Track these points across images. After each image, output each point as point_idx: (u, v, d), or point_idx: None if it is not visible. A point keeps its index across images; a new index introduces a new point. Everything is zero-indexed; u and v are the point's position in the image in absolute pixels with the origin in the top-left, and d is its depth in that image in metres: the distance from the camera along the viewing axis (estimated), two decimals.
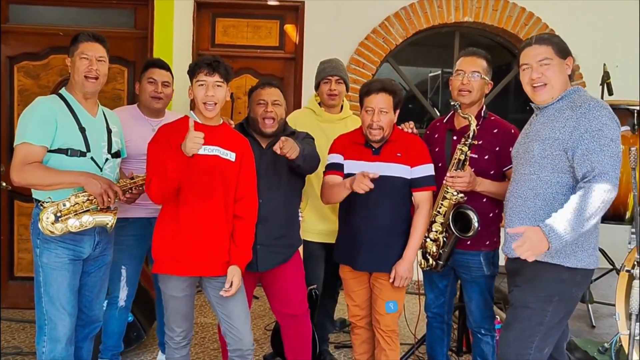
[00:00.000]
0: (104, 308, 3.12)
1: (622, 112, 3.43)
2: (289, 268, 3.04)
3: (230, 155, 2.68)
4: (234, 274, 2.64)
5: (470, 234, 2.79)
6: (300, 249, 3.18)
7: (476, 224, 2.78)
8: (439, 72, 6.15)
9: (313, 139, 3.09)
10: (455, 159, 2.83)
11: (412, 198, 2.95)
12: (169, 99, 3.38)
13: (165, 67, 3.36)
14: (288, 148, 2.74)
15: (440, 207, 2.86)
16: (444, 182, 2.82)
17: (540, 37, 2.49)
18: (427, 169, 2.90)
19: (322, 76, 3.48)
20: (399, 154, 2.89)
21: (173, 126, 2.70)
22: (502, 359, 2.47)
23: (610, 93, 3.96)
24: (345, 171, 2.97)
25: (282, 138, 2.77)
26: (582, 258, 2.34)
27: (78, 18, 4.70)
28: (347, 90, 3.55)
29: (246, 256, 2.72)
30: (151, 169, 2.62)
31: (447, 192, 2.82)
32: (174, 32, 4.81)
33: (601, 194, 2.20)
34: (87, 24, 4.57)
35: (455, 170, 2.81)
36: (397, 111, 2.94)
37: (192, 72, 2.67)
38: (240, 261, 2.68)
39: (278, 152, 2.74)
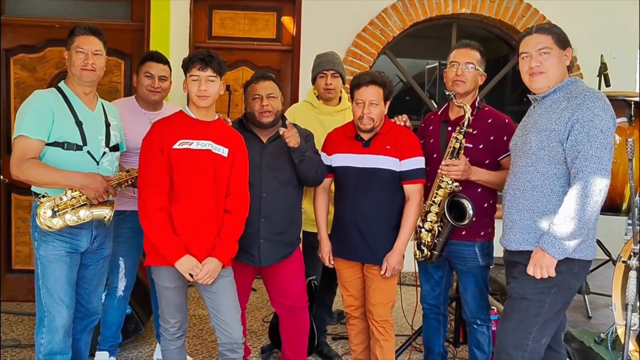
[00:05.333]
0: (103, 299, 3.13)
1: (619, 104, 3.43)
2: (289, 262, 3.05)
3: (223, 151, 2.69)
4: (210, 265, 2.62)
5: (465, 222, 2.79)
6: None
7: (471, 212, 2.79)
8: (436, 64, 6.14)
9: (313, 136, 3.10)
10: (450, 147, 2.83)
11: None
12: (166, 93, 3.37)
13: (163, 60, 3.34)
14: (289, 134, 2.79)
15: (435, 197, 2.86)
16: (439, 170, 2.83)
17: (540, 26, 2.50)
18: (416, 162, 2.90)
19: (317, 70, 3.49)
20: (388, 147, 2.90)
21: (167, 122, 2.71)
22: (499, 350, 2.49)
23: (608, 84, 3.96)
24: (336, 164, 3.01)
25: (289, 123, 2.81)
26: (579, 249, 2.34)
27: (74, 10, 4.68)
28: (344, 83, 3.55)
29: (230, 251, 2.71)
30: (142, 178, 2.64)
31: (442, 180, 2.83)
32: (171, 25, 4.79)
33: (590, 187, 2.23)
34: (83, 17, 4.54)
35: (450, 158, 2.81)
36: (388, 103, 2.95)
37: (186, 67, 2.68)
38: (223, 255, 2.66)
39: (280, 132, 2.80)
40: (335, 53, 3.57)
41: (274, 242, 2.96)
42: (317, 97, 3.56)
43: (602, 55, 4.00)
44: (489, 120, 2.93)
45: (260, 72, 3.10)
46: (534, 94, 2.51)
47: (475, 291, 2.99)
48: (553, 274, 2.32)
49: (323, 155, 3.06)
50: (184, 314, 2.79)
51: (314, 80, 3.54)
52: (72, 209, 2.62)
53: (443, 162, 2.82)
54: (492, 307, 3.18)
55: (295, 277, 3.10)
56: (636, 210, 2.76)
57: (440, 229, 2.87)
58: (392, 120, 3.05)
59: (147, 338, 3.88)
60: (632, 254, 2.69)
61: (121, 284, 3.29)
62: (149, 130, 2.69)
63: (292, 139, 2.82)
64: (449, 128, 2.95)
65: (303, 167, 2.90)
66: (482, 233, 2.95)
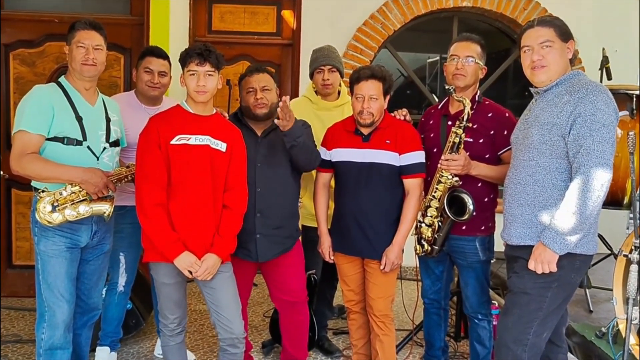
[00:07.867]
0: (104, 295, 3.13)
1: (621, 97, 3.42)
2: (289, 256, 3.04)
3: (221, 146, 2.67)
4: (209, 261, 2.61)
5: (465, 217, 2.79)
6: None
7: (471, 207, 2.78)
8: (438, 57, 6.12)
9: (310, 126, 3.08)
10: (450, 142, 2.82)
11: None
12: (165, 88, 3.36)
13: (163, 55, 3.33)
14: (284, 113, 2.73)
15: (435, 192, 2.86)
16: (439, 165, 2.82)
17: (542, 19, 2.48)
18: (416, 156, 2.89)
19: (314, 66, 3.47)
20: (388, 141, 2.89)
21: (164, 116, 2.70)
22: (500, 344, 2.48)
23: (609, 78, 3.95)
24: (336, 159, 3.00)
25: (285, 102, 2.72)
26: (581, 244, 2.33)
27: (73, 5, 4.66)
28: (342, 76, 3.54)
29: (229, 246, 2.70)
30: (139, 174, 2.63)
31: (442, 175, 2.82)
32: (170, 19, 4.77)
33: (592, 182, 2.21)
34: (82, 11, 4.53)
35: (450, 153, 2.81)
36: (388, 97, 2.94)
37: (184, 62, 2.66)
38: (221, 251, 2.65)
39: (279, 111, 2.74)
40: (332, 47, 3.55)
41: (272, 237, 2.95)
42: (315, 92, 3.55)
43: (603, 49, 3.99)
44: (489, 115, 2.92)
45: (255, 65, 3.09)
46: (536, 87, 2.50)
47: (476, 286, 2.99)
48: (554, 269, 2.31)
49: (323, 150, 3.05)
50: (183, 310, 2.79)
51: (311, 76, 3.52)
52: (71, 204, 2.62)
53: (443, 157, 2.82)
54: (493, 302, 3.18)
55: (295, 272, 3.09)
56: (637, 204, 2.76)
57: (440, 223, 2.87)
58: (392, 114, 3.04)
59: (148, 333, 3.89)
60: (633, 247, 2.68)
61: (122, 280, 3.29)
62: (145, 126, 2.68)
63: (287, 120, 2.75)
64: (449, 122, 2.94)
65: (294, 153, 2.87)
66: (483, 228, 2.94)
